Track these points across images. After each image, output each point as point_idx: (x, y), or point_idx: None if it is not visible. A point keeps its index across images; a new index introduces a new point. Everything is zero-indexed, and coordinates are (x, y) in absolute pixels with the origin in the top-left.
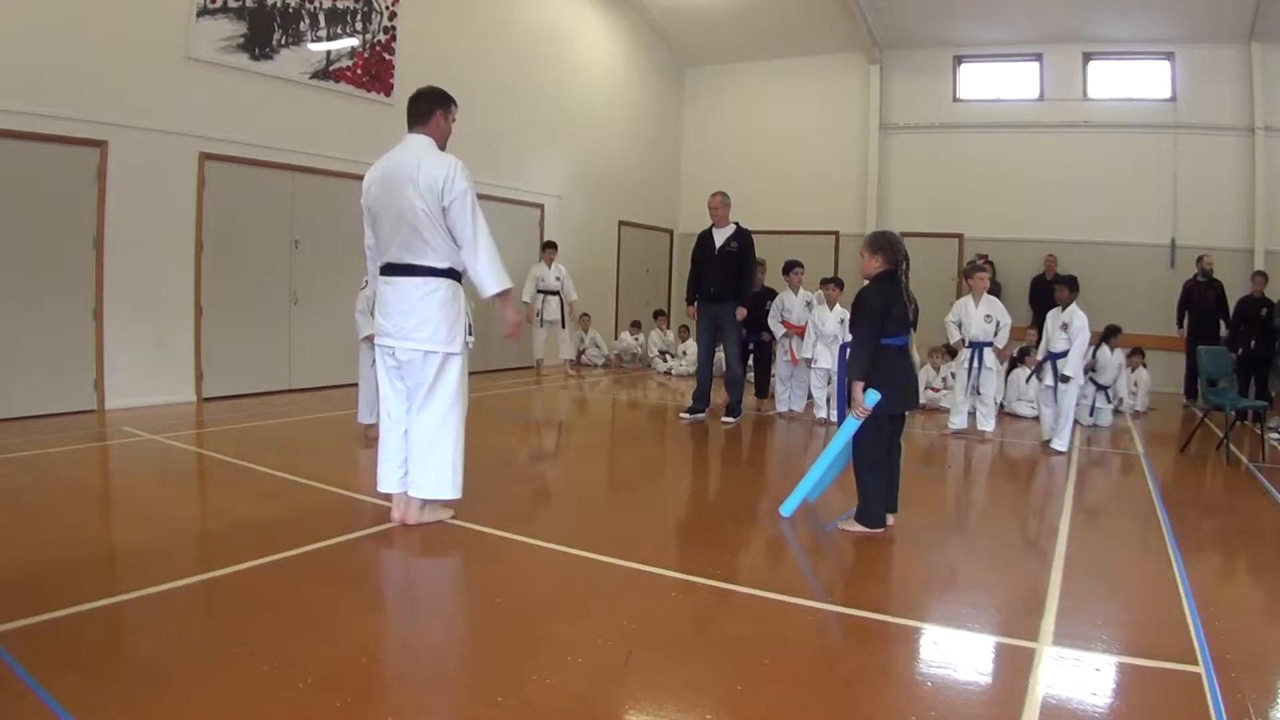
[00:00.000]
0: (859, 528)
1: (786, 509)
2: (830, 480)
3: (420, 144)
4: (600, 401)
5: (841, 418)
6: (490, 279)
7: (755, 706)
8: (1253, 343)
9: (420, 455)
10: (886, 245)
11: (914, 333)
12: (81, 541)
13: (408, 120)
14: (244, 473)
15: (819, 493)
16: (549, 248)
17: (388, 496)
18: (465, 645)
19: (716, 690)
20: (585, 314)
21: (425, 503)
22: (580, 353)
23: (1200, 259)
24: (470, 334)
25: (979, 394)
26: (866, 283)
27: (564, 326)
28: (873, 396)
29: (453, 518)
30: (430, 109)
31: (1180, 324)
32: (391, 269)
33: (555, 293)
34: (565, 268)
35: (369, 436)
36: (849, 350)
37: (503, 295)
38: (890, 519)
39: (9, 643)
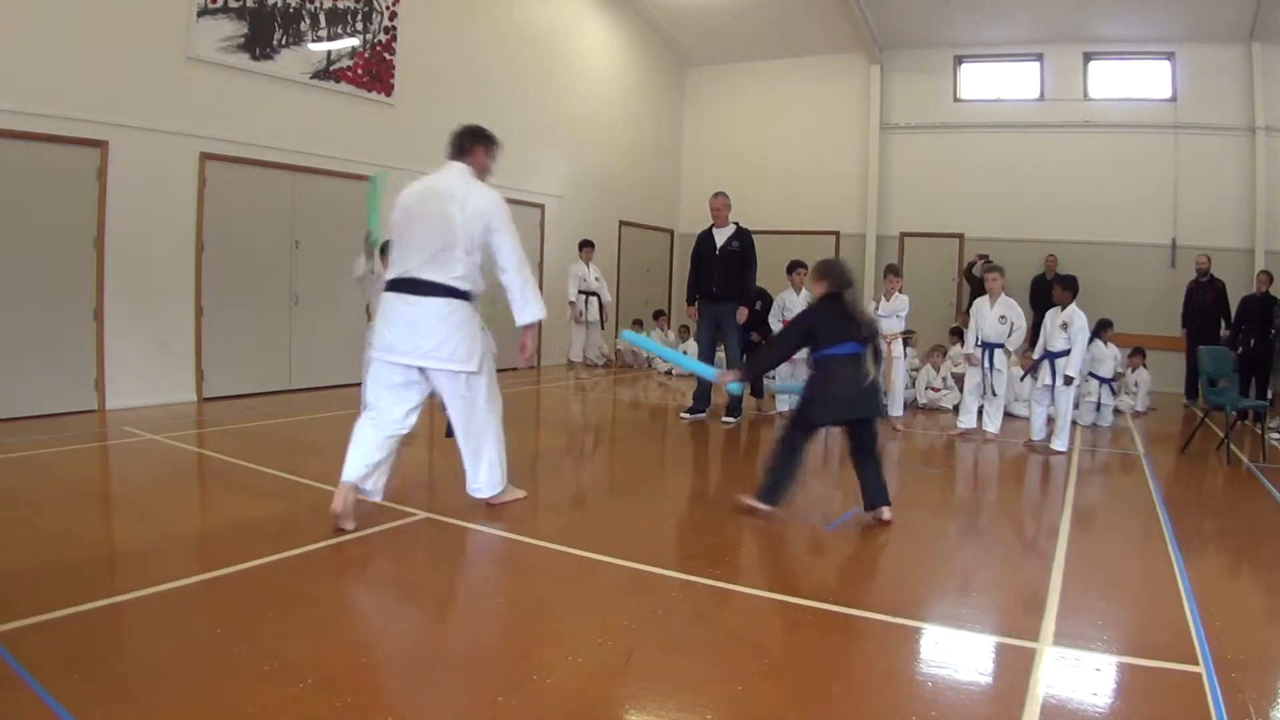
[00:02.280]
0: (753, 501)
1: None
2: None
3: (461, 170)
4: (601, 401)
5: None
6: (533, 305)
7: (755, 706)
8: (1251, 341)
9: (472, 461)
10: (830, 273)
11: (869, 348)
12: (82, 541)
13: (451, 150)
14: (244, 473)
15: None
16: (587, 246)
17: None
18: (465, 645)
19: (716, 690)
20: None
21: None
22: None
23: (1197, 259)
24: (494, 346)
25: (994, 395)
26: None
27: (602, 328)
28: (735, 387)
29: (479, 509)
30: (474, 144)
31: (1184, 324)
32: (408, 285)
33: (594, 293)
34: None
35: None
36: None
37: (532, 325)
38: (887, 513)
39: (9, 643)
